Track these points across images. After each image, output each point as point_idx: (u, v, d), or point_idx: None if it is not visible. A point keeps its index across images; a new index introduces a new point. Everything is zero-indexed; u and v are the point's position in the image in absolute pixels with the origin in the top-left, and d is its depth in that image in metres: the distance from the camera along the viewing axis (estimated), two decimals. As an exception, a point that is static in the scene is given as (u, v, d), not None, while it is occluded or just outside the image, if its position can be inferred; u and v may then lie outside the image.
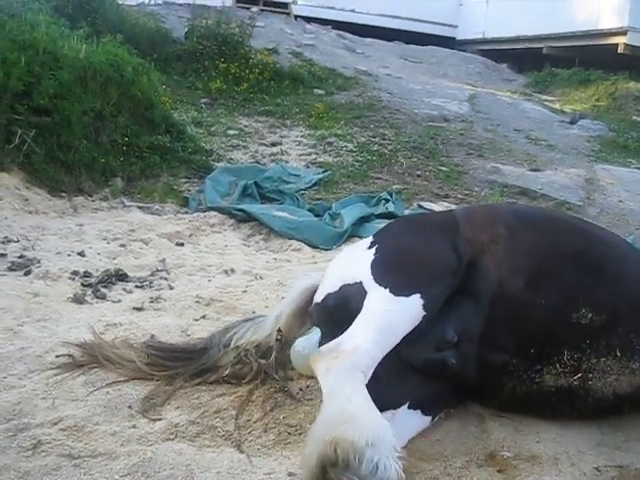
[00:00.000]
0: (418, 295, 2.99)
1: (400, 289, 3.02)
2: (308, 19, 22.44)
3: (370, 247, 3.40)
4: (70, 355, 3.72)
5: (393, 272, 3.14)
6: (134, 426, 3.12)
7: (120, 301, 4.91)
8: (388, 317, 2.94)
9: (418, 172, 10.22)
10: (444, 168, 10.53)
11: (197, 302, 4.87)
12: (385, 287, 3.05)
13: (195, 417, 3.21)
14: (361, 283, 3.16)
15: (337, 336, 2.98)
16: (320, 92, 14.81)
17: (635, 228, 8.47)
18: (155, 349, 3.72)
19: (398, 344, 2.94)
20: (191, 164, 9.45)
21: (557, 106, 16.88)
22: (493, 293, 3.15)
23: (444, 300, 3.10)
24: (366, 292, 3.10)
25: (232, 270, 5.89)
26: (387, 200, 8.48)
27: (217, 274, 5.78)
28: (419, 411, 3.11)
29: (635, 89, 17.18)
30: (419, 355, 3.07)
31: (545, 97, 18.30)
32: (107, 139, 8.88)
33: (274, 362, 3.55)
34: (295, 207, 8.10)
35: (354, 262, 3.37)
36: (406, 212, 8.28)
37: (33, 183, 7.81)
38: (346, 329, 2.96)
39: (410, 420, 3.07)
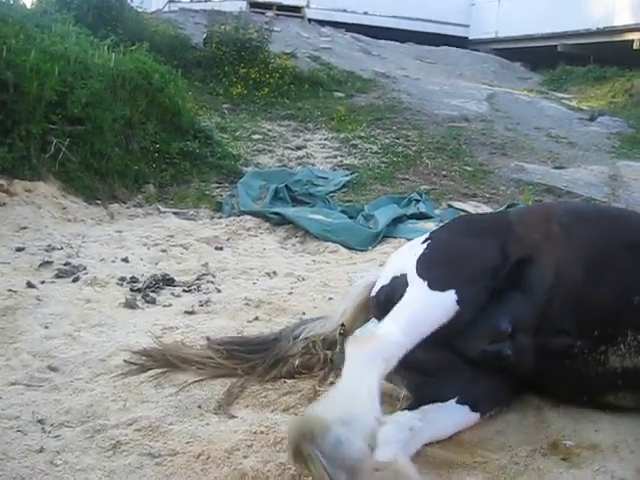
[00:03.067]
0: (453, 291, 3.04)
1: (437, 283, 3.09)
2: (321, 22, 22.51)
3: (424, 242, 3.47)
4: (138, 360, 3.77)
5: (434, 266, 3.21)
6: (207, 424, 3.18)
7: (171, 305, 4.98)
8: (418, 309, 3.02)
9: (444, 172, 10.33)
10: (469, 168, 10.63)
11: (247, 304, 4.93)
12: (424, 280, 3.13)
13: (266, 414, 3.28)
14: (406, 275, 3.25)
15: None
16: (340, 95, 14.94)
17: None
18: (232, 344, 3.81)
19: (445, 338, 3.02)
20: (221, 169, 9.58)
21: (574, 104, 16.92)
22: (550, 285, 3.17)
23: (485, 297, 3.14)
24: (408, 284, 3.19)
25: (274, 273, 5.96)
26: (417, 200, 8.57)
27: (260, 277, 5.85)
28: (467, 407, 3.14)
29: (651, 85, 17.18)
30: (474, 347, 3.13)
31: (561, 95, 18.31)
32: (137, 146, 9.02)
33: (339, 353, 3.63)
34: (328, 209, 8.18)
35: (406, 256, 3.44)
36: (437, 212, 8.37)
37: (69, 191, 7.90)
38: None
39: (456, 414, 3.12)
